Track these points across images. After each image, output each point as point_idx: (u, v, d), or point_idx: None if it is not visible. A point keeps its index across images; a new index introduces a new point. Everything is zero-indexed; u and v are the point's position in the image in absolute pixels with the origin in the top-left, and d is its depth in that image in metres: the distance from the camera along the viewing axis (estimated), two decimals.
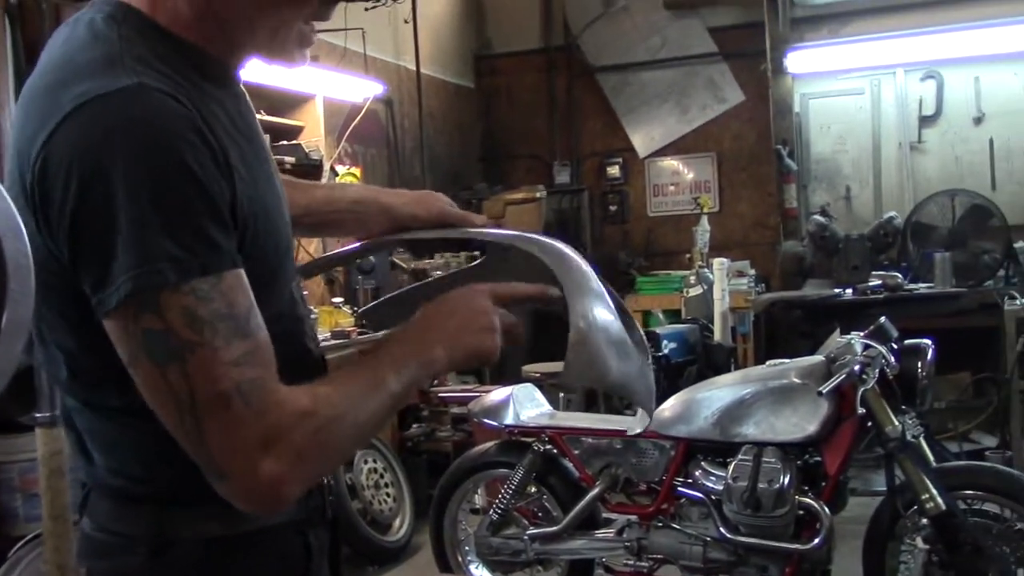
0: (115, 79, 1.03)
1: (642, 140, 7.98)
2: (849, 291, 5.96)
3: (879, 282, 5.82)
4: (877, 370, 3.07)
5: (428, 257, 4.99)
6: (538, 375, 4.78)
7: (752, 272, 6.70)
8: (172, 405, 1.03)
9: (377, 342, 1.24)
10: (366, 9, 5.95)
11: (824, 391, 3.07)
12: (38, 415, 2.55)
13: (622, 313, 1.41)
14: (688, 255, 6.64)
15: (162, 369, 1.02)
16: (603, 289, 1.38)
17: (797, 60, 7.19)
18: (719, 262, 5.72)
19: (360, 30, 6.05)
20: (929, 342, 3.24)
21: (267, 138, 1.33)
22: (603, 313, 1.34)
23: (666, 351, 5.21)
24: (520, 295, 1.31)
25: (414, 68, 7.03)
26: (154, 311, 1.00)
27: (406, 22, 6.72)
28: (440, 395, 5.44)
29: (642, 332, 1.48)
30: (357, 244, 1.59)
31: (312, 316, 4.45)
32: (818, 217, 6.75)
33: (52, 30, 3.80)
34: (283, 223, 1.22)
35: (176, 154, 1.01)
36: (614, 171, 8.01)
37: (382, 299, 1.70)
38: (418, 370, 1.18)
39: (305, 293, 1.41)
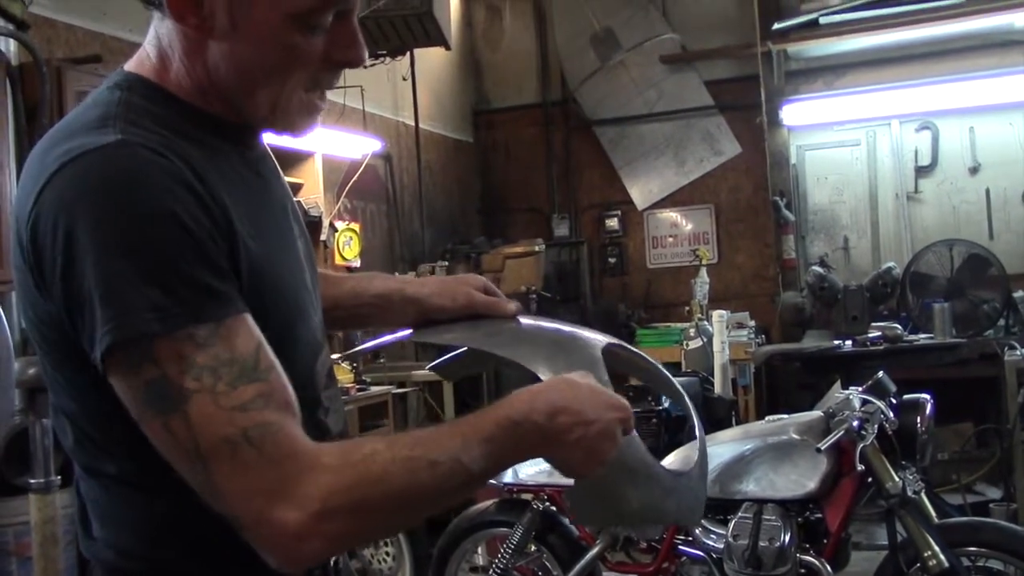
0: (100, 136, 1.04)
1: (640, 192, 8.02)
2: (848, 343, 5.95)
3: (879, 333, 5.82)
4: (876, 425, 3.05)
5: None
6: None
7: (752, 323, 6.69)
8: (182, 455, 1.01)
9: (499, 403, 1.14)
10: (365, 67, 5.99)
11: (823, 447, 3.05)
12: (32, 481, 2.52)
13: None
14: (687, 307, 6.63)
15: (165, 419, 1.00)
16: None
17: (792, 112, 7.27)
18: (718, 314, 5.71)
19: (359, 87, 6.11)
20: (928, 397, 3.22)
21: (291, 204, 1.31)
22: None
23: (666, 405, 5.19)
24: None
25: (413, 124, 7.09)
26: (151, 361, 0.99)
27: (404, 79, 6.79)
28: None
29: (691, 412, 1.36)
30: (404, 333, 1.51)
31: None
32: (817, 268, 6.77)
33: (53, 92, 3.81)
34: (299, 291, 1.20)
35: (158, 204, 1.01)
36: (612, 223, 8.05)
37: (451, 355, 1.55)
38: (517, 456, 1.12)
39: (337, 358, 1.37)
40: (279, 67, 1.11)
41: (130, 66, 1.18)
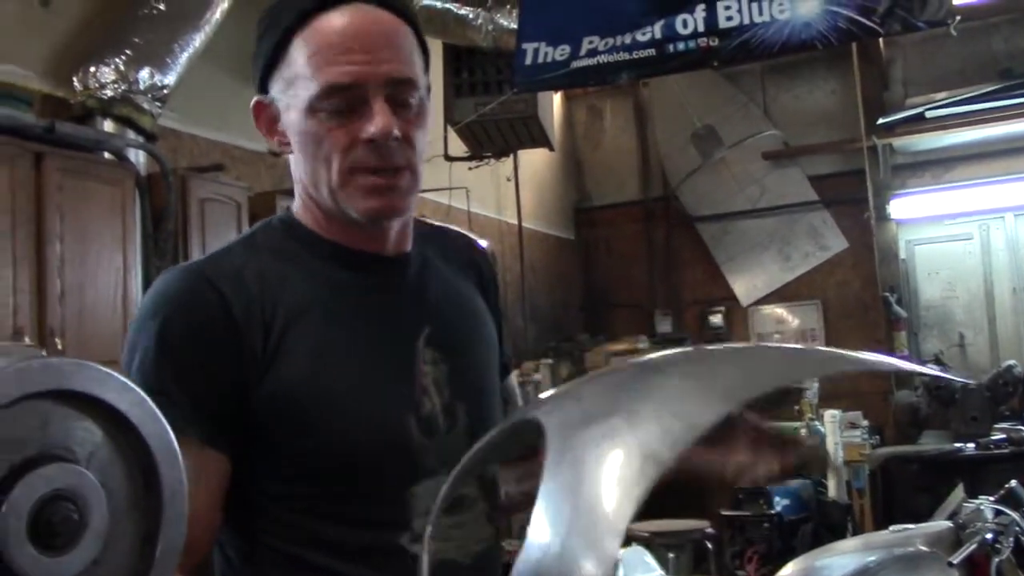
0: (196, 261, 1.26)
1: (744, 288, 7.94)
2: (971, 446, 5.71)
3: (1003, 436, 5.57)
4: (1012, 538, 2.89)
5: None
6: (647, 535, 4.65)
7: (865, 423, 6.46)
8: None
9: None
10: (470, 168, 6.14)
11: (955, 561, 2.90)
12: None
13: None
14: (797, 406, 6.47)
15: None
16: None
17: (900, 206, 7.15)
18: (831, 414, 5.56)
19: (464, 189, 6.24)
20: None
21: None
22: None
23: (778, 508, 5.04)
24: None
25: (516, 223, 7.18)
26: None
27: (508, 180, 6.91)
28: None
29: None
30: None
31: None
32: (932, 366, 6.55)
33: (177, 199, 3.97)
34: (391, 416, 1.20)
35: (164, 327, 1.15)
36: (716, 319, 7.96)
37: None
38: None
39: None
40: (318, 152, 1.22)
41: None
